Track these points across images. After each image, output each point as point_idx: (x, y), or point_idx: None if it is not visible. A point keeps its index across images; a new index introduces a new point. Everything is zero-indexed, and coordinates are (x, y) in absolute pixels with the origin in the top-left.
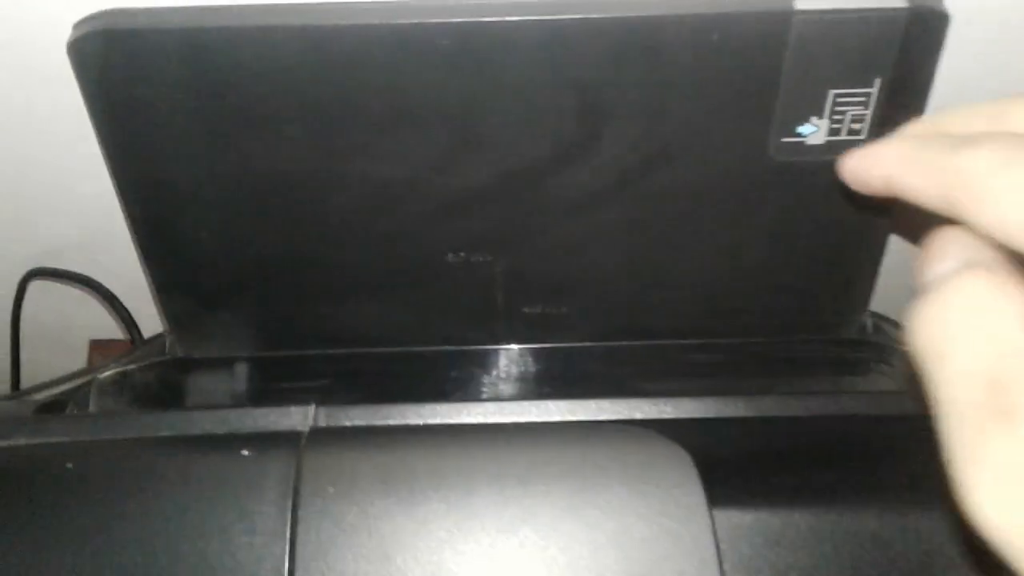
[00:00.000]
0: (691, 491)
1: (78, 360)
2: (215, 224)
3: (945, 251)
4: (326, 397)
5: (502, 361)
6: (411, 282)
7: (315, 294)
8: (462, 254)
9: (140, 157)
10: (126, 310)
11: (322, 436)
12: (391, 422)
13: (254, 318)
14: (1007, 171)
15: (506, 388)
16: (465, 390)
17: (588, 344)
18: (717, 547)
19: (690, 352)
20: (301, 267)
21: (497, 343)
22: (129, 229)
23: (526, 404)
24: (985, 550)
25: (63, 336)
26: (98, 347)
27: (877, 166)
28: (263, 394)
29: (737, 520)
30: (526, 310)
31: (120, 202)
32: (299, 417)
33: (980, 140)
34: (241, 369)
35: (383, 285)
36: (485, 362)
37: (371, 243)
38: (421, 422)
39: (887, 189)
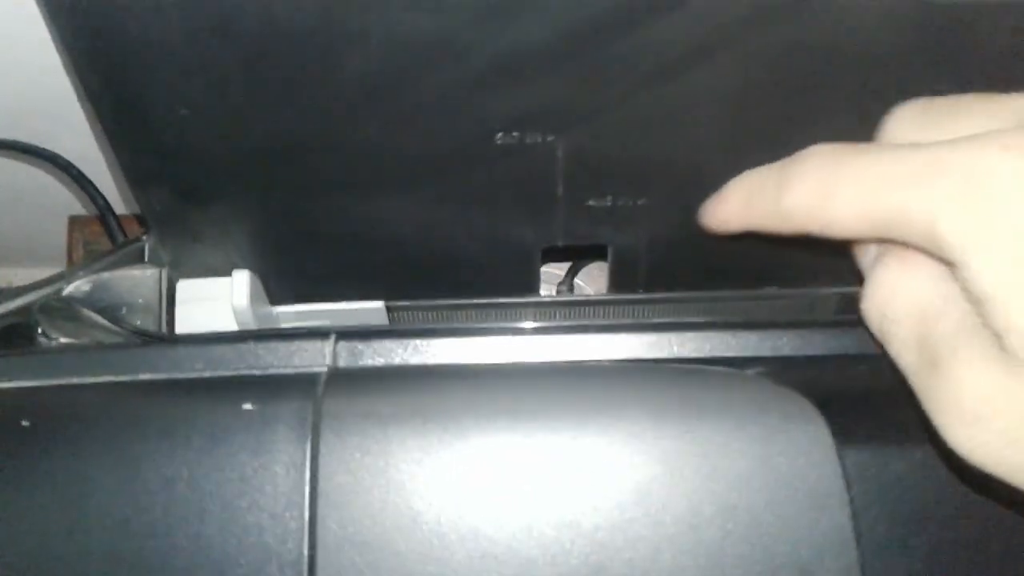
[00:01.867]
0: (819, 438)
1: (58, 239)
2: (199, 95)
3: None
4: (346, 327)
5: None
6: (450, 170)
7: (329, 188)
8: (515, 134)
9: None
10: (101, 196)
11: (344, 380)
12: (428, 358)
13: (256, 220)
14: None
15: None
16: (517, 311)
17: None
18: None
19: None
20: (310, 153)
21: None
22: (85, 102)
23: (589, 336)
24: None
25: (37, 212)
26: (78, 225)
27: (719, 215)
28: (264, 316)
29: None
30: (592, 203)
31: (69, 68)
32: (315, 354)
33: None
34: (242, 284)
35: (415, 176)
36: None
37: (399, 120)
38: (465, 357)
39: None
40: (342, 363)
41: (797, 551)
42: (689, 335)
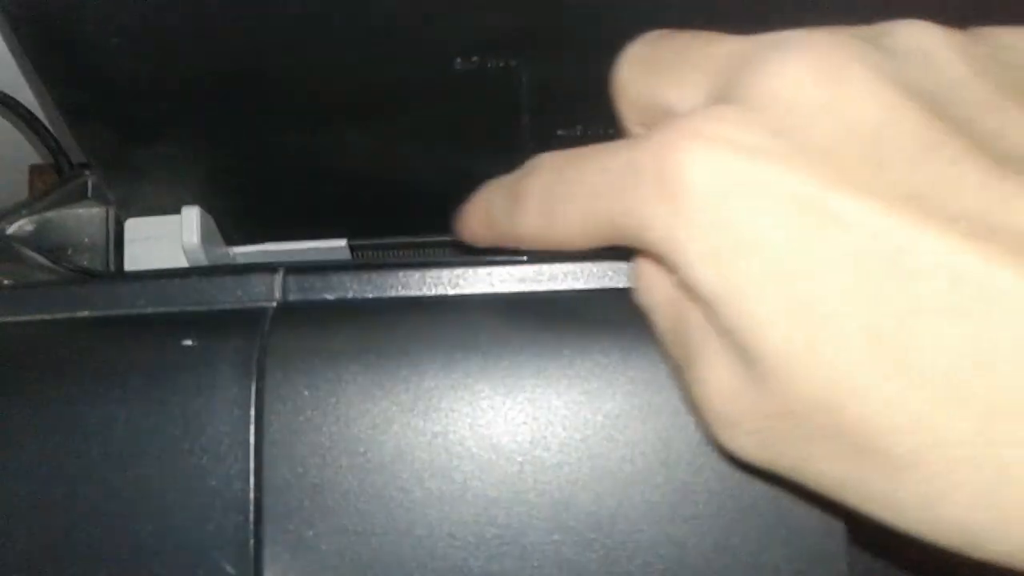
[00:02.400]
0: None
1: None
2: (130, 20)
3: None
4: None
5: None
6: (408, 99)
7: (280, 118)
8: (475, 59)
9: None
10: (53, 138)
11: (291, 314)
12: (383, 292)
13: (204, 155)
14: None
15: None
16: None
17: None
18: None
19: None
20: (257, 80)
21: None
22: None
23: (556, 267)
24: None
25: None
26: (39, 174)
27: (466, 234)
28: (219, 257)
29: None
30: (561, 133)
31: None
32: (262, 288)
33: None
34: (191, 221)
35: (371, 105)
36: None
37: (351, 43)
38: (423, 291)
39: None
40: (292, 297)
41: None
42: None
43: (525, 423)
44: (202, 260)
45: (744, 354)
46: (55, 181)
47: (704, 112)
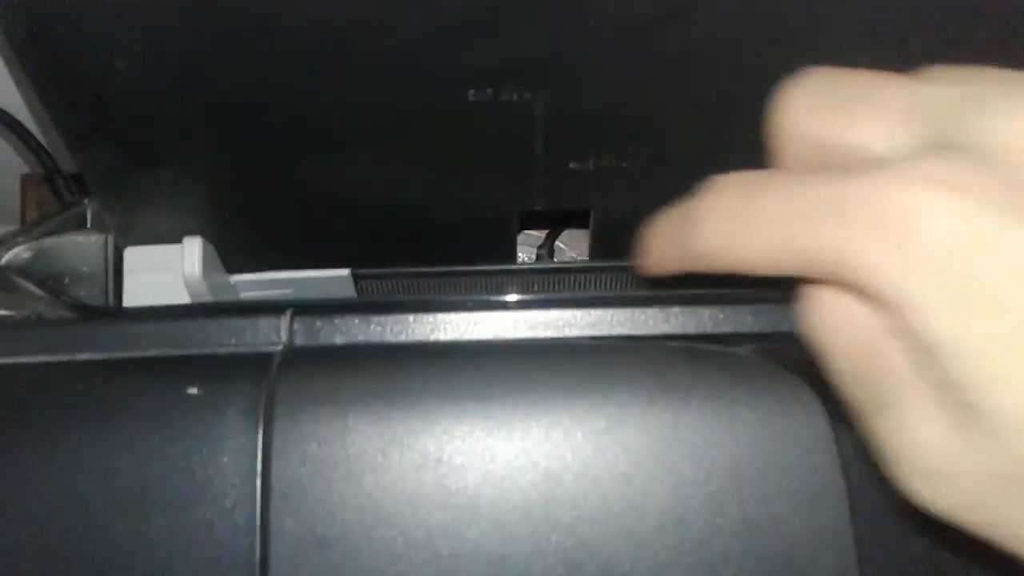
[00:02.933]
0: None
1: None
2: (137, 45)
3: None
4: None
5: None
6: (420, 130)
7: (286, 146)
8: (489, 90)
9: None
10: (48, 155)
11: (299, 359)
12: (393, 335)
13: (208, 183)
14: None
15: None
16: (494, 279)
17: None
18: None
19: None
20: (265, 108)
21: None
22: (6, 48)
23: (569, 312)
24: None
25: None
26: (31, 185)
27: (650, 268)
28: (220, 286)
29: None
30: (573, 165)
31: None
32: (269, 330)
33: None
34: (193, 252)
35: (381, 135)
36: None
37: (363, 73)
38: (434, 334)
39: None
40: (299, 341)
41: (791, 545)
42: (676, 310)
43: (538, 480)
44: (204, 292)
45: (968, 411)
46: (52, 207)
47: (938, 156)
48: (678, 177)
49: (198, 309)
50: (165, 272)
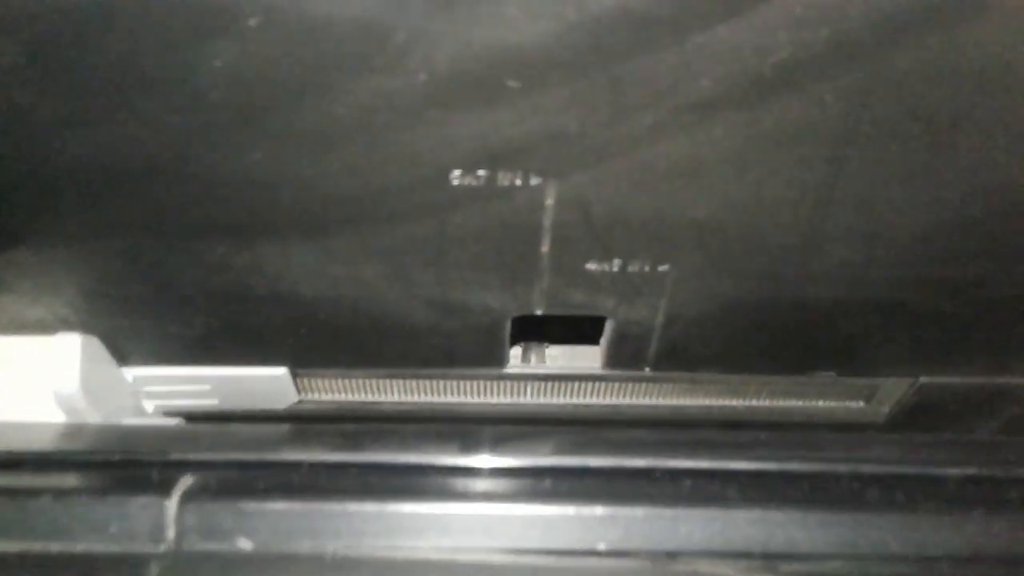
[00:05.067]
0: None
1: None
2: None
3: None
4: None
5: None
6: (382, 217)
7: (208, 231)
8: (482, 172)
9: None
10: None
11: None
12: (314, 544)
13: (97, 270)
14: None
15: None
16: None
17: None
18: None
19: None
20: (181, 181)
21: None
22: None
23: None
24: None
25: None
26: None
27: None
28: (115, 392)
29: None
30: (592, 267)
31: None
32: (151, 522)
33: None
34: (70, 359)
35: (332, 220)
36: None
37: (305, 143)
38: (380, 545)
39: None
40: (187, 543)
41: None
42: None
43: None
44: (79, 405)
45: None
46: None
47: None
48: (733, 283)
49: (53, 461)
50: (33, 371)
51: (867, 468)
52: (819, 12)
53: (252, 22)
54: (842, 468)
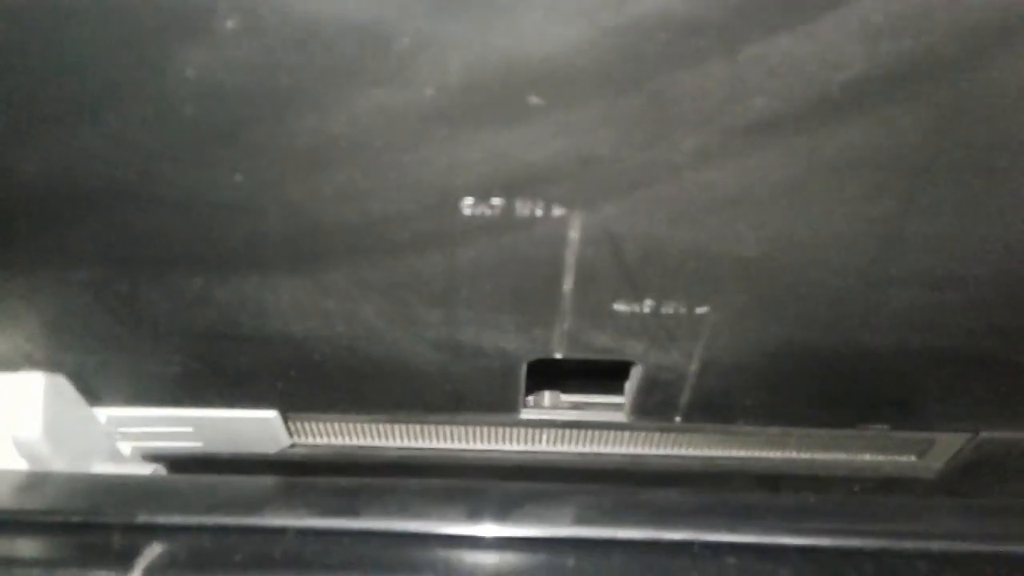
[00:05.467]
0: None
1: None
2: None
3: None
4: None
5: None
6: (381, 250)
7: (190, 265)
8: (497, 201)
9: None
10: None
11: None
12: None
13: (65, 305)
14: None
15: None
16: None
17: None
18: None
19: None
20: (148, 212)
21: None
22: None
23: None
24: None
25: None
26: None
27: None
28: (84, 435)
29: None
30: (620, 308)
31: None
32: None
33: None
34: (34, 403)
35: (328, 253)
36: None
37: (329, 175)
38: None
39: None
40: None
41: None
42: None
43: None
44: (42, 452)
45: None
46: None
47: None
48: (769, 327)
49: (11, 522)
50: None
51: (939, 546)
52: (900, 21)
53: (229, 24)
54: (910, 545)
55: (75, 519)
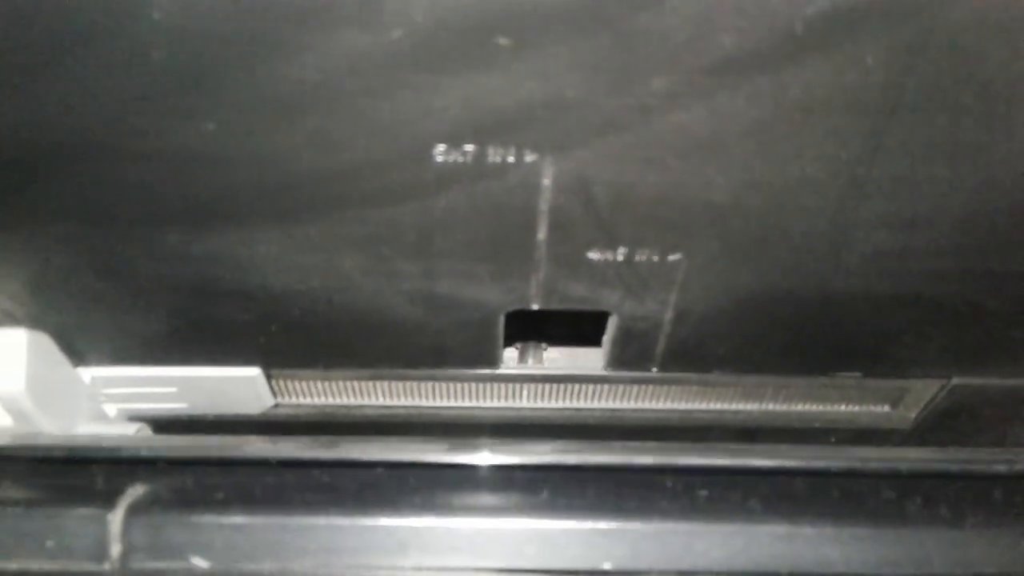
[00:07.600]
0: None
1: None
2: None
3: None
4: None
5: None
6: (357, 200)
7: (169, 217)
8: (469, 147)
9: None
10: None
11: None
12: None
13: (46, 260)
14: None
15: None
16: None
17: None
18: None
19: None
20: (135, 163)
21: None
22: None
23: None
24: None
25: None
26: None
27: None
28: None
29: None
30: (595, 256)
31: None
32: (94, 538)
33: None
34: (16, 358)
35: (303, 205)
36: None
37: (266, 116)
38: (354, 564)
39: None
40: (134, 560)
41: None
42: None
43: None
44: (27, 412)
45: None
46: None
47: None
48: (742, 274)
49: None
50: None
51: (906, 468)
52: None
53: None
54: (877, 470)
55: (59, 458)
